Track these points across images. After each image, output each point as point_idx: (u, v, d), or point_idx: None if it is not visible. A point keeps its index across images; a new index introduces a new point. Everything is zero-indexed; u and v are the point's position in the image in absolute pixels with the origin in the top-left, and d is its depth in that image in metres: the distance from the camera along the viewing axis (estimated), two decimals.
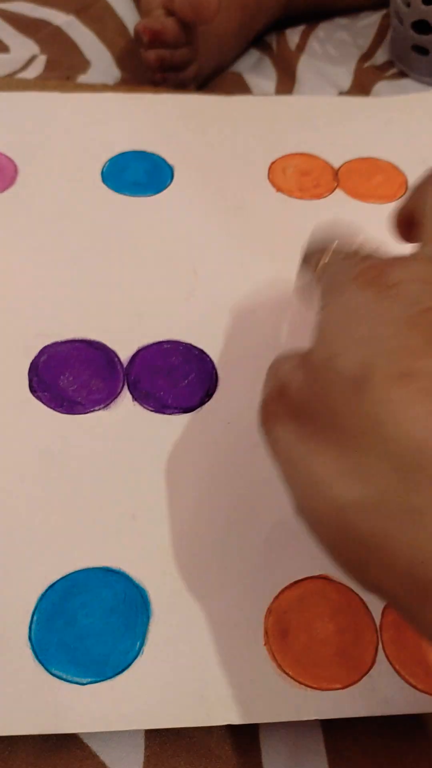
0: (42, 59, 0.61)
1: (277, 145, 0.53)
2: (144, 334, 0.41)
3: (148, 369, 0.39)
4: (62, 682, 0.29)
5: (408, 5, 0.59)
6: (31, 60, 0.61)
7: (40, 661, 0.30)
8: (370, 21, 0.68)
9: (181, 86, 0.59)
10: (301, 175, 0.51)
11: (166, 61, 0.57)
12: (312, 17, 0.67)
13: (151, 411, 0.38)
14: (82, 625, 0.31)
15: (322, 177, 0.52)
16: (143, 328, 0.41)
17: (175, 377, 0.39)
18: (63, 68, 0.60)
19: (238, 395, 0.39)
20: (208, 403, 0.38)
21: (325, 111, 0.57)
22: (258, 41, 0.65)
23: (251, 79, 0.62)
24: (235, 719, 0.29)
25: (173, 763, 0.29)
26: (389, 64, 0.65)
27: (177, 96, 0.57)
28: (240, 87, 0.61)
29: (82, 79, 0.60)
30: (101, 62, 0.61)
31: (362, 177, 0.52)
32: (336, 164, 0.52)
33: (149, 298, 0.43)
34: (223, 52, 0.61)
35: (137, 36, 0.56)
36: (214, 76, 0.62)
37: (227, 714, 0.29)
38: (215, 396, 0.39)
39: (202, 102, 0.57)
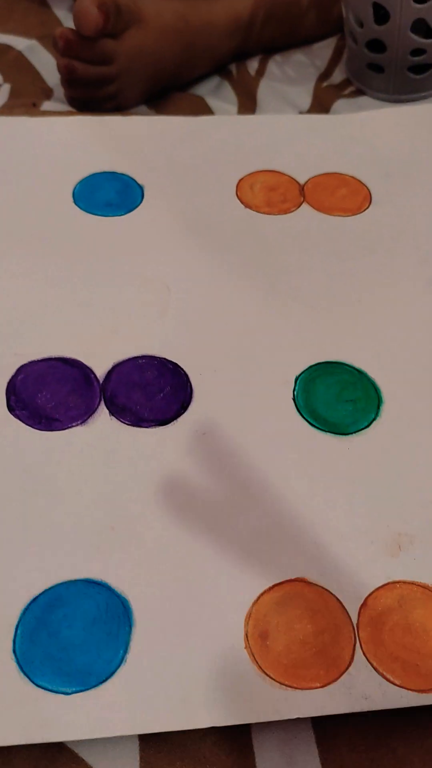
0: (6, 88, 0.62)
1: (244, 163, 0.55)
2: (119, 351, 0.42)
3: (123, 384, 0.40)
4: (48, 692, 0.30)
5: (361, 26, 0.61)
6: None
7: (26, 673, 0.30)
8: (326, 42, 0.70)
9: (96, 104, 0.60)
10: (269, 191, 0.53)
11: (76, 73, 0.58)
12: (269, 51, 0.70)
13: (128, 425, 0.39)
14: (66, 637, 0.32)
15: (288, 192, 0.53)
16: (118, 344, 0.42)
17: (150, 391, 0.40)
18: (28, 95, 0.61)
19: (213, 406, 0.40)
20: (184, 415, 0.39)
21: (289, 129, 0.59)
22: (218, 69, 0.67)
23: (213, 102, 0.63)
24: (219, 721, 0.30)
25: None
26: (347, 82, 0.67)
27: (144, 118, 0.59)
28: (202, 109, 0.63)
29: (47, 105, 0.61)
30: (62, 88, 0.62)
31: (327, 191, 0.53)
32: (301, 180, 0.54)
33: (124, 315, 0.44)
34: (159, 79, 0.63)
35: (54, 41, 0.57)
36: (159, 97, 0.64)
37: (211, 716, 0.30)
38: (190, 408, 0.40)
39: (169, 123, 0.58)
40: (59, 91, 0.62)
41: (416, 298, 0.47)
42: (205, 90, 0.65)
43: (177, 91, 0.65)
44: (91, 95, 0.60)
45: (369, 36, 0.61)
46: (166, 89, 0.64)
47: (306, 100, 0.64)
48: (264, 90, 0.65)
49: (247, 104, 0.64)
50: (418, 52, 0.61)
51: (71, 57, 0.57)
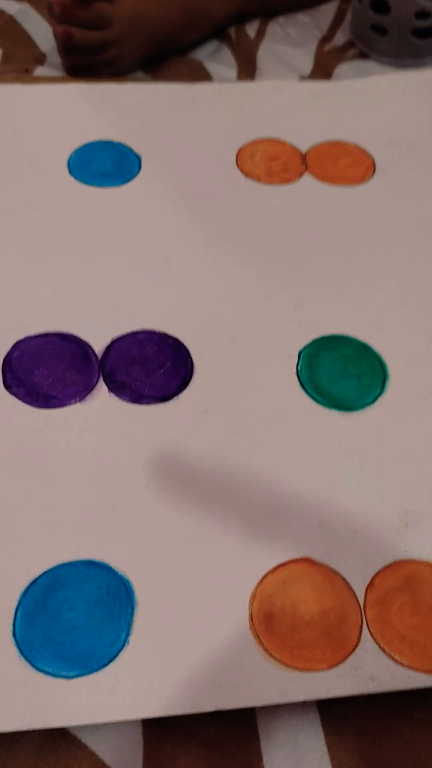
0: None
1: (244, 131, 0.53)
2: (117, 325, 0.41)
3: (122, 360, 0.39)
4: (49, 676, 0.29)
5: None
6: None
7: (26, 657, 0.30)
8: (329, 5, 0.68)
9: (93, 70, 0.58)
10: (270, 160, 0.51)
11: (74, 40, 0.56)
12: (270, 15, 0.67)
13: (128, 402, 0.38)
14: (67, 619, 0.31)
15: (290, 161, 0.51)
16: (116, 319, 0.41)
17: (150, 367, 0.39)
18: (19, 61, 0.59)
19: (215, 382, 0.39)
20: (185, 391, 0.38)
21: (290, 96, 0.57)
22: (216, 33, 0.65)
23: (212, 67, 0.61)
24: (223, 705, 0.29)
25: (173, 755, 0.29)
26: (349, 45, 0.64)
27: (141, 84, 0.57)
28: (200, 74, 0.61)
29: (40, 71, 0.59)
30: (56, 54, 0.60)
31: (330, 160, 0.52)
32: (303, 148, 0.52)
33: (121, 288, 0.43)
34: (157, 43, 0.61)
35: (50, 8, 0.55)
36: (156, 62, 0.62)
37: (215, 700, 0.29)
38: (191, 384, 0.39)
39: (167, 90, 0.56)
40: (52, 56, 0.60)
41: (421, 269, 0.45)
42: (203, 54, 0.63)
43: (175, 55, 0.63)
44: (88, 62, 0.58)
45: None
46: (164, 54, 0.62)
47: (307, 64, 0.62)
48: (264, 53, 0.63)
49: (247, 68, 0.62)
50: (422, 15, 0.59)
51: (68, 23, 0.55)
